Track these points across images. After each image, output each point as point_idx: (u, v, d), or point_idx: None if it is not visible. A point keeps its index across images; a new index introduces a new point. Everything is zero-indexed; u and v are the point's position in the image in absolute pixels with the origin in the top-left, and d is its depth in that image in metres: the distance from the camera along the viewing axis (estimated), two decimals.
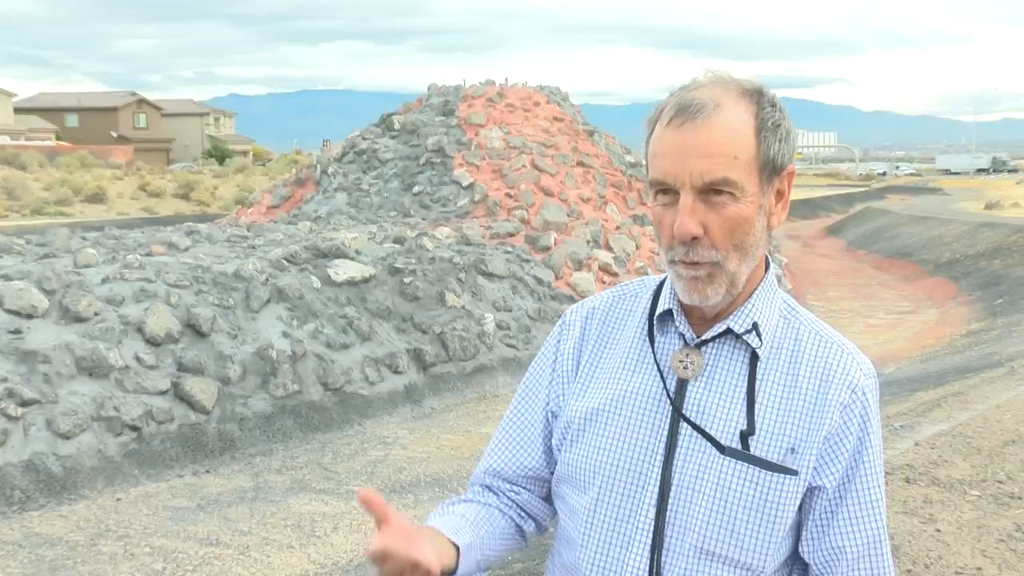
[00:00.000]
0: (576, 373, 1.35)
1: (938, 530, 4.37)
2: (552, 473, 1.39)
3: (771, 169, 1.20)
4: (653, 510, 1.23)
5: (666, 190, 1.19)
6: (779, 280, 17.91)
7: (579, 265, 12.80)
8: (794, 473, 1.20)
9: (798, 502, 1.22)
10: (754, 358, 1.25)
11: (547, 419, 1.38)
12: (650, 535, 1.23)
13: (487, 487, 1.43)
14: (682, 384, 1.25)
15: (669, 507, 1.22)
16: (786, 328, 1.28)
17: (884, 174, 77.74)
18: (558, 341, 1.40)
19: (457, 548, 1.26)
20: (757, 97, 1.20)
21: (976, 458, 5.47)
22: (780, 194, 1.24)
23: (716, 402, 1.23)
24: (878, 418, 1.27)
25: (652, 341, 1.29)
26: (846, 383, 1.24)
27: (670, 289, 1.29)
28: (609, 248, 13.81)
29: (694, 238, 1.17)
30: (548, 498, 1.42)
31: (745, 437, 1.21)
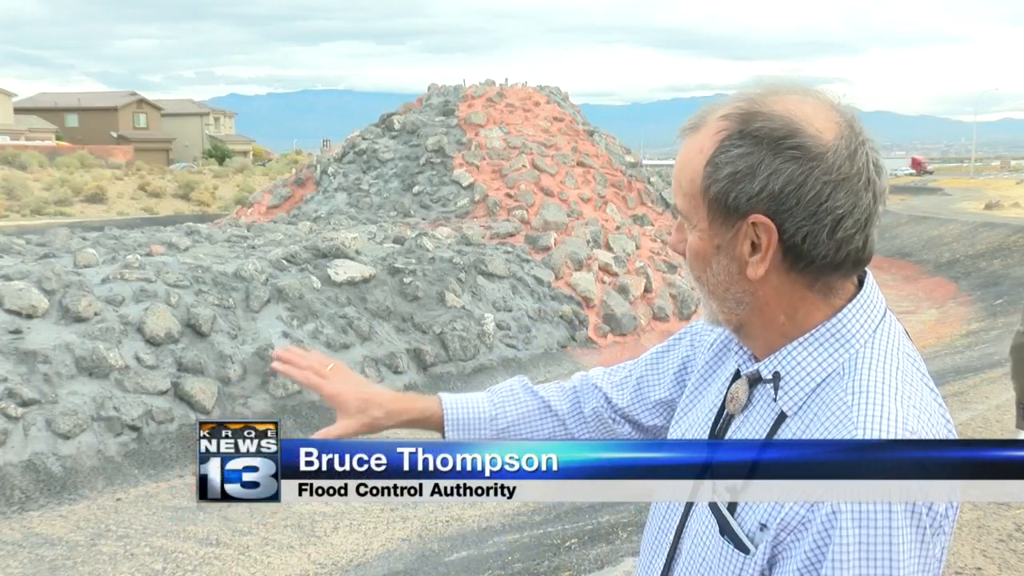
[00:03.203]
0: (681, 394, 1.31)
1: None
2: (651, 427, 1.36)
3: (721, 209, 1.01)
4: (668, 551, 1.15)
5: None
6: None
7: (579, 265, 12.80)
8: (745, 551, 1.00)
9: None
10: (782, 412, 1.07)
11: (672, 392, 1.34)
12: None
13: (574, 388, 1.40)
14: (729, 420, 1.14)
15: (678, 552, 1.14)
16: (826, 391, 1.03)
17: None
18: (687, 354, 1.34)
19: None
20: (736, 123, 1.00)
21: None
22: (755, 246, 1.01)
23: None
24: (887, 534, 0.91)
25: (736, 376, 1.17)
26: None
27: None
28: (609, 248, 13.81)
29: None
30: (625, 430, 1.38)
31: None
